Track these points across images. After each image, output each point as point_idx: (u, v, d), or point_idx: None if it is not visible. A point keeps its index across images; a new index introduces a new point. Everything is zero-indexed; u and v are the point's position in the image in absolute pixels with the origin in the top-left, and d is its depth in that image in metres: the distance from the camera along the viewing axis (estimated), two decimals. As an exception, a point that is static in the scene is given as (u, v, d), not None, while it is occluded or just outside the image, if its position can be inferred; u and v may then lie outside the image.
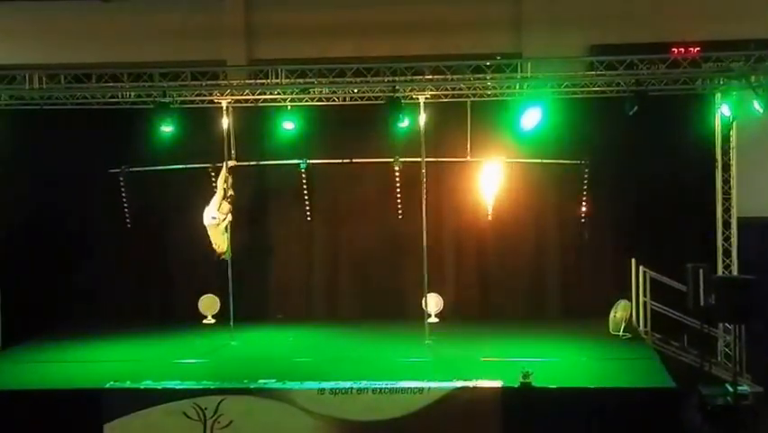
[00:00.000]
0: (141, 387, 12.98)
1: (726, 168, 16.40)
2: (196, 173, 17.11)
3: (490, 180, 17.07)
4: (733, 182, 16.34)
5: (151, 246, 17.77)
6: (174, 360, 14.71)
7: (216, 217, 15.69)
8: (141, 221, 17.67)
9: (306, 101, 16.30)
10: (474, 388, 12.71)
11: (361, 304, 17.70)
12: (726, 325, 15.80)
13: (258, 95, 16.16)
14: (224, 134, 16.26)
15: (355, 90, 15.98)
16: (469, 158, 16.97)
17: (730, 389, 13.60)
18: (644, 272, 15.99)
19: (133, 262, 17.74)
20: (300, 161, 17.31)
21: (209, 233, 15.75)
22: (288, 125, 16.56)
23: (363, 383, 12.82)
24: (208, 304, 17.17)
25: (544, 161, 16.88)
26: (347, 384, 12.80)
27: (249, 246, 17.29)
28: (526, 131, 15.99)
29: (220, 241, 15.74)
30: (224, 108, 16.21)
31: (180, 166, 17.09)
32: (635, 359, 14.38)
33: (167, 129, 15.74)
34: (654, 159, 16.69)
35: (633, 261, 16.21)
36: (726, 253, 16.36)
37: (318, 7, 18.02)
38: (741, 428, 13.24)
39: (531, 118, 15.66)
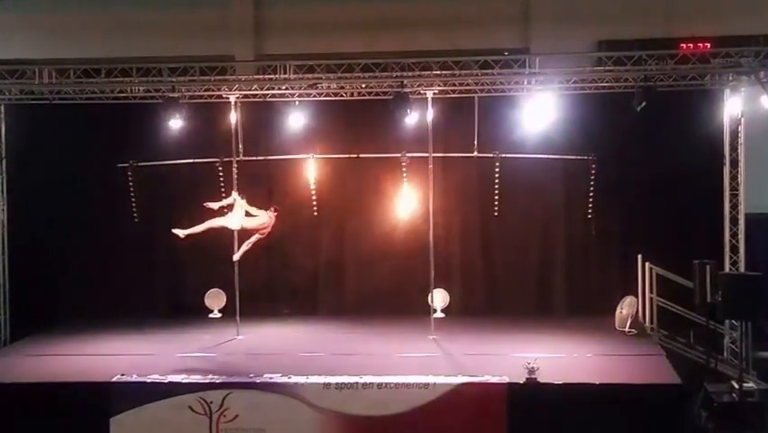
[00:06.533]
0: (148, 381, 13.03)
1: (735, 164, 16.36)
2: (204, 168, 17.18)
3: (497, 176, 17.04)
4: (741, 178, 16.32)
5: (159, 241, 17.82)
6: (180, 354, 14.75)
7: (237, 216, 15.56)
8: (148, 215, 17.74)
9: (314, 96, 16.34)
10: (479, 383, 12.73)
11: (368, 299, 17.71)
12: (733, 322, 15.79)
13: (266, 90, 16.22)
14: (232, 129, 16.29)
15: (363, 85, 16.05)
16: (476, 153, 16.98)
17: (736, 386, 13.58)
18: (651, 269, 15.99)
19: (140, 257, 17.80)
20: (308, 156, 17.34)
21: (250, 229, 15.56)
22: (296, 120, 16.57)
23: (368, 378, 12.84)
24: (215, 298, 17.23)
25: (552, 156, 16.86)
26: (352, 379, 12.82)
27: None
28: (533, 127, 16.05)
29: (256, 222, 15.50)
30: (233, 103, 16.25)
31: (188, 161, 17.15)
32: (641, 355, 14.38)
33: (175, 124, 15.82)
34: (662, 155, 16.66)
35: (639, 257, 16.22)
36: (734, 250, 16.33)
37: (326, 3, 18.04)
38: (747, 426, 13.22)
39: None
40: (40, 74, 15.77)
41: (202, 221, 15.50)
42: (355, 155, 17.37)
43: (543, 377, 12.71)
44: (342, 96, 16.44)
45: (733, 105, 16.14)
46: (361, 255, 17.82)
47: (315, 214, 17.83)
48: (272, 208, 15.65)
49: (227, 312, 16.84)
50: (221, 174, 17.00)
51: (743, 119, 16.16)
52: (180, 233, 15.34)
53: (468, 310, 17.32)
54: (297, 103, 16.49)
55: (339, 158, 17.42)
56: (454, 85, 15.85)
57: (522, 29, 17.97)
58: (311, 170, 17.46)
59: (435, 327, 15.68)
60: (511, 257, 17.59)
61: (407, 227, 17.22)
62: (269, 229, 15.58)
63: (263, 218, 15.49)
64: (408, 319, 16.45)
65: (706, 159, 16.65)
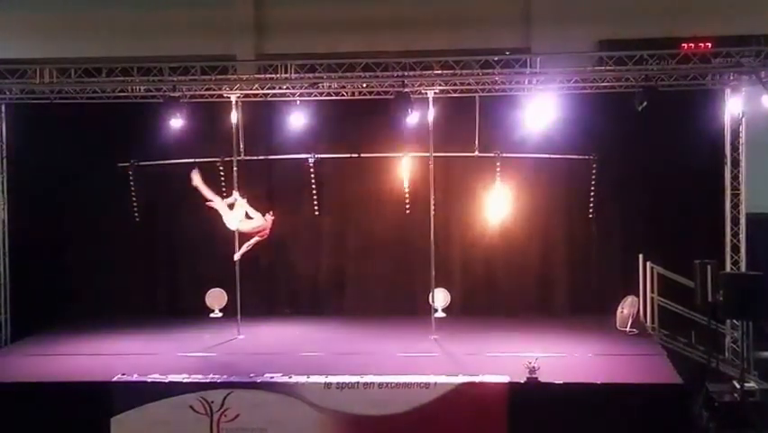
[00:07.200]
0: (149, 380, 13.01)
1: (736, 163, 16.37)
2: (205, 167, 17.13)
3: (498, 175, 17.04)
4: (742, 178, 16.32)
5: (159, 240, 17.85)
6: (181, 354, 14.74)
7: (237, 217, 15.52)
8: (149, 215, 17.75)
9: (315, 96, 16.32)
10: (480, 383, 12.71)
11: (369, 298, 17.74)
12: (734, 321, 15.79)
13: (267, 89, 16.22)
14: (233, 129, 16.28)
15: (364, 85, 16.05)
16: (477, 153, 16.99)
17: (737, 386, 13.58)
18: (652, 268, 16.01)
19: (141, 256, 17.81)
20: (309, 156, 17.34)
21: (245, 232, 15.62)
22: (297, 120, 16.58)
23: (370, 378, 12.83)
24: (215, 298, 17.23)
25: (553, 156, 16.87)
26: (353, 379, 12.81)
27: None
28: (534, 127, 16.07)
29: (251, 225, 15.55)
30: (234, 103, 16.25)
31: (189, 160, 17.12)
32: (642, 355, 14.37)
33: (176, 123, 15.81)
34: (663, 154, 16.68)
35: (640, 257, 16.22)
36: (735, 250, 16.33)
37: (327, 2, 18.04)
38: (748, 425, 13.21)
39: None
40: (40, 73, 15.76)
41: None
42: (356, 155, 17.37)
43: (544, 377, 12.70)
44: (343, 95, 16.42)
45: (734, 105, 16.15)
46: (363, 255, 17.82)
47: (317, 213, 17.83)
48: (270, 212, 15.65)
49: (228, 312, 16.84)
50: (222, 174, 16.99)
51: (744, 119, 16.17)
52: (195, 178, 15.56)
53: (469, 310, 17.33)
54: (297, 102, 16.50)
55: (340, 157, 17.41)
56: (455, 84, 15.82)
57: (523, 29, 17.99)
58: (312, 169, 17.44)
59: (436, 327, 15.67)
60: (512, 257, 17.55)
61: (408, 227, 17.19)
62: (266, 232, 15.60)
63: (259, 221, 15.52)
64: (409, 319, 16.47)
65: (707, 158, 16.65)
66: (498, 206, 17.14)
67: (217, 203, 15.54)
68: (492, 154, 17.04)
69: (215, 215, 15.58)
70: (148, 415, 12.82)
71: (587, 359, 14.25)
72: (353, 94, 16.39)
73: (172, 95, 15.52)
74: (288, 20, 18.23)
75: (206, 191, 15.60)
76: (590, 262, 17.44)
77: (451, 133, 16.68)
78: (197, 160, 17.07)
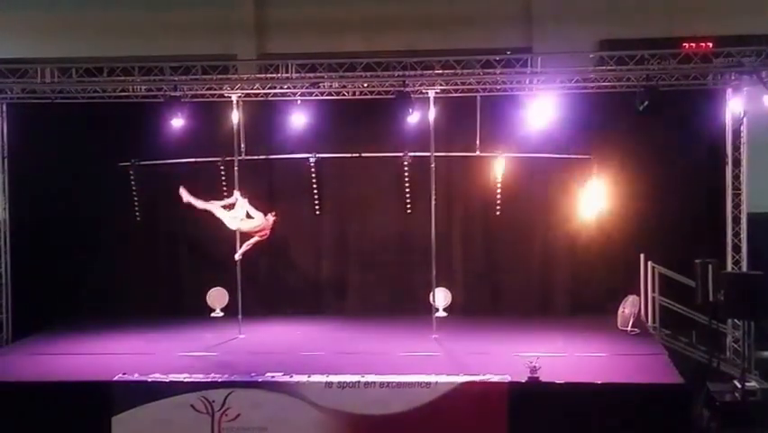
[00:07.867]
0: (150, 380, 12.99)
1: (737, 163, 16.38)
2: (206, 167, 17.18)
3: (499, 175, 17.04)
4: (743, 178, 16.33)
5: (160, 239, 17.85)
6: (182, 353, 14.73)
7: (237, 216, 15.57)
8: (150, 214, 17.74)
9: (316, 95, 16.34)
10: (481, 383, 12.70)
11: (370, 298, 17.75)
12: (735, 321, 15.79)
13: (268, 89, 16.22)
14: (234, 128, 16.29)
15: (365, 85, 16.06)
16: (478, 153, 17.00)
17: (738, 385, 13.58)
18: (653, 268, 16.01)
19: (142, 255, 17.79)
20: (310, 156, 17.34)
21: (245, 231, 15.65)
22: (298, 119, 16.58)
23: (371, 377, 12.81)
24: (217, 297, 17.23)
25: (554, 156, 16.86)
26: (355, 378, 12.79)
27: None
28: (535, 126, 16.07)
29: (252, 224, 15.59)
30: (235, 102, 16.26)
31: (190, 160, 17.14)
32: (644, 355, 14.34)
33: (177, 123, 15.82)
34: (664, 154, 16.68)
35: (642, 256, 16.21)
36: (736, 249, 16.33)
37: (328, 2, 18.08)
38: (749, 425, 13.21)
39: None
40: (42, 73, 15.79)
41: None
42: (357, 154, 17.37)
43: (545, 376, 12.68)
44: (344, 95, 16.43)
45: (735, 105, 16.17)
46: (364, 254, 17.82)
47: (318, 213, 17.83)
48: (272, 213, 15.65)
49: (229, 311, 16.84)
50: (223, 173, 17.00)
51: (745, 119, 16.18)
52: (184, 195, 15.44)
53: (470, 309, 17.32)
54: (298, 102, 16.50)
55: (341, 157, 17.41)
56: (456, 84, 15.83)
57: (524, 28, 18.01)
58: (313, 169, 17.44)
59: (437, 326, 15.67)
60: (513, 256, 17.56)
61: (409, 226, 17.21)
62: (267, 232, 15.61)
63: (259, 221, 15.53)
64: (410, 318, 16.44)
65: (708, 158, 16.67)
66: (499, 205, 17.15)
67: (214, 208, 15.50)
68: (493, 154, 17.02)
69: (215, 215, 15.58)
70: (149, 414, 12.80)
71: (588, 359, 14.23)
72: (354, 94, 16.40)
73: (173, 94, 15.54)
74: (289, 20, 18.25)
75: (199, 203, 15.55)
76: (591, 262, 17.38)
77: (452, 133, 16.69)
78: (198, 159, 17.13)
